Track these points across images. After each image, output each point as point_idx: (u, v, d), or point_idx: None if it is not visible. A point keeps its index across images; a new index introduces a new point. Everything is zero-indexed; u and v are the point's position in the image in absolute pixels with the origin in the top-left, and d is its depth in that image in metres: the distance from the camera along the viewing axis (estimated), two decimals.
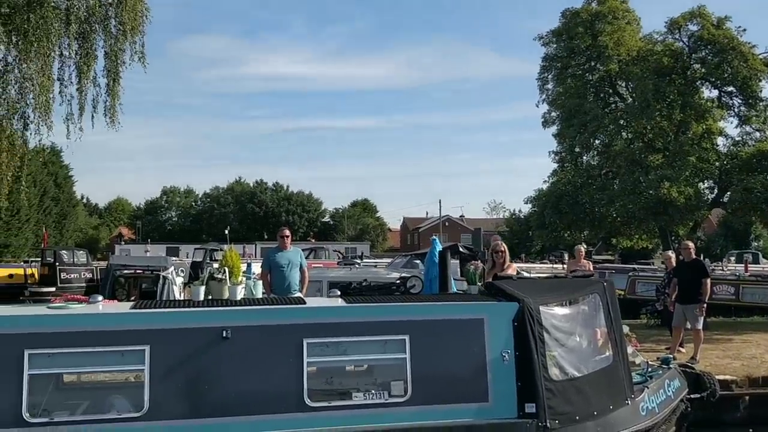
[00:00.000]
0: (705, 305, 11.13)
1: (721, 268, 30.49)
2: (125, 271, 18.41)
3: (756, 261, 41.75)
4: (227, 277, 6.08)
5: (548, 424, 5.59)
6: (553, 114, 21.66)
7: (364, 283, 6.72)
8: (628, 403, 6.15)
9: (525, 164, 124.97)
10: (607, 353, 6.34)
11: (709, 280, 11.16)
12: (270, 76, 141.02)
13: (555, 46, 21.48)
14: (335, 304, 5.94)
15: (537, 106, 22.39)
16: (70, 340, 5.13)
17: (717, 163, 17.71)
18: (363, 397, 5.47)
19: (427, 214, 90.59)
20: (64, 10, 15.36)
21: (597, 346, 6.41)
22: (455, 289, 7.39)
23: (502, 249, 7.76)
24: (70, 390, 5.81)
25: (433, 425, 5.46)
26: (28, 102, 15.45)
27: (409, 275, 6.66)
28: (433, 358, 5.60)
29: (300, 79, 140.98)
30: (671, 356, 7.51)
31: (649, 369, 7.20)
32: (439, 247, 7.95)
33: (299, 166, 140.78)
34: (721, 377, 9.77)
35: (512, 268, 7.70)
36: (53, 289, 23.56)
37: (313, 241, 70.47)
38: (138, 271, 18.17)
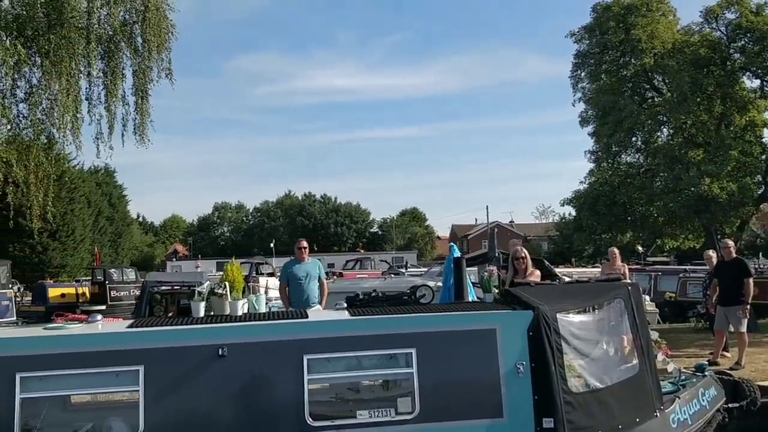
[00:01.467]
0: (748, 306, 10.62)
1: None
2: (162, 288, 18.69)
3: None
4: (228, 292, 5.93)
5: None
6: (591, 112, 21.17)
7: (372, 294, 6.49)
8: (656, 415, 5.80)
9: (575, 167, 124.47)
10: (633, 362, 6.00)
11: (751, 280, 10.65)
12: (318, 90, 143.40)
13: (588, 42, 20.97)
14: (338, 317, 5.74)
15: (573, 105, 21.94)
16: (62, 362, 5.02)
17: (763, 156, 16.98)
18: (368, 415, 5.24)
19: (476, 220, 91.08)
20: (85, 30, 15.57)
21: (621, 354, 6.08)
22: (474, 298, 7.12)
23: (523, 255, 7.48)
24: (65, 413, 5.71)
25: None
26: (53, 122, 15.70)
27: (420, 284, 6.42)
28: (442, 371, 5.35)
29: (347, 91, 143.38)
30: (706, 363, 7.10)
31: (683, 377, 6.80)
32: (456, 254, 7.68)
33: (349, 178, 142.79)
34: (765, 383, 9.28)
35: (535, 275, 7.40)
36: (104, 307, 24.22)
37: (362, 251, 71.18)
38: (174, 288, 18.42)
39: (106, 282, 25.50)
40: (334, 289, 14.29)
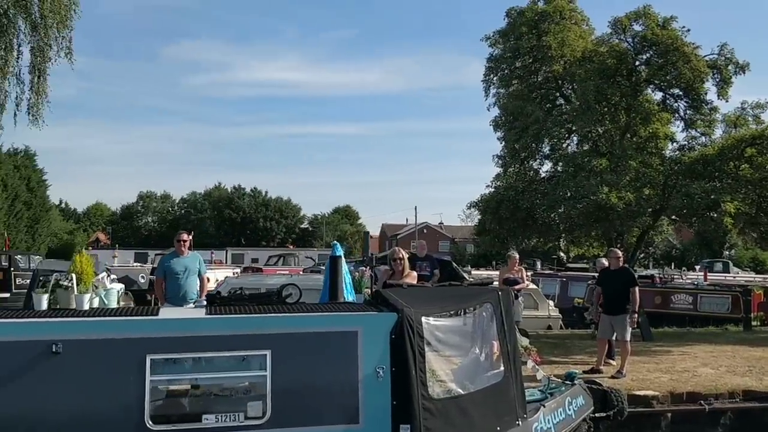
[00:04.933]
0: (636, 315, 10.94)
1: (680, 277, 30.77)
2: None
3: (726, 270, 42.23)
4: (74, 285, 5.60)
5: None
6: (503, 117, 21.48)
7: (238, 292, 6.29)
8: (518, 424, 5.83)
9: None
10: (499, 369, 6.01)
11: (637, 289, 10.98)
12: (258, 82, 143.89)
13: (501, 46, 21.27)
14: (189, 316, 5.52)
15: (488, 110, 22.13)
16: None
17: (661, 168, 17.61)
18: (214, 420, 5.04)
19: (407, 221, 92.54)
20: None
21: (487, 360, 6.08)
22: (350, 299, 7.01)
23: (401, 256, 7.47)
24: None
25: None
26: None
27: (287, 283, 6.28)
28: (297, 375, 5.22)
29: (288, 85, 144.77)
30: (575, 371, 7.22)
31: (552, 385, 6.89)
32: (338, 253, 7.52)
33: (284, 173, 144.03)
34: (643, 393, 9.61)
35: (411, 276, 7.38)
36: (8, 295, 23.53)
37: (292, 247, 70.94)
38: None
39: (12, 268, 24.62)
40: (236, 284, 14.06)
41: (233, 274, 27.97)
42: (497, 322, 6.04)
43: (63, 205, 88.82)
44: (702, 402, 9.66)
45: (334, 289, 6.72)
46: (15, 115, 15.91)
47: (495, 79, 21.31)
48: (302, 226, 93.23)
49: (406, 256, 7.65)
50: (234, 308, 5.63)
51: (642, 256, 57.25)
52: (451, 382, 5.69)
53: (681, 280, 29.05)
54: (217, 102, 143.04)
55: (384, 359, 5.36)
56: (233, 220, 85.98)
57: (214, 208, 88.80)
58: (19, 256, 26.20)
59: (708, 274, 32.25)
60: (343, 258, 7.11)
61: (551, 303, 20.96)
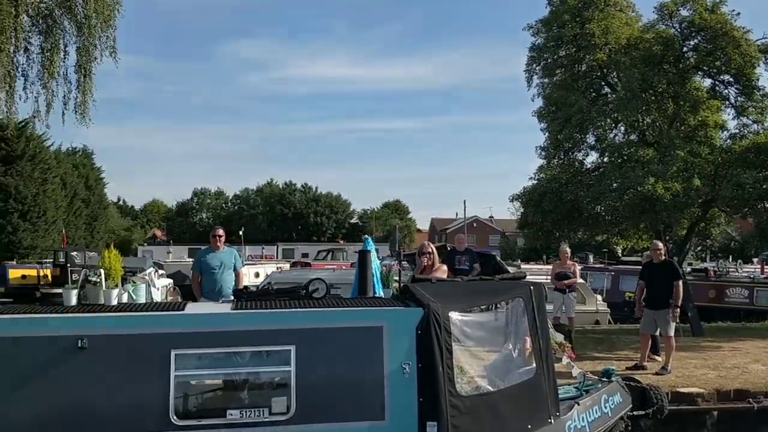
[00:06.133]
0: (678, 310, 10.66)
1: (736, 270, 29.96)
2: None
3: None
4: (103, 280, 5.68)
5: None
6: (547, 108, 21.12)
7: (266, 287, 6.29)
8: (551, 422, 5.71)
9: None
10: (530, 365, 5.89)
11: (681, 283, 10.69)
12: (310, 80, 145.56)
13: (544, 35, 20.88)
14: (214, 311, 5.55)
15: (532, 101, 21.76)
16: None
17: (711, 157, 17.06)
18: (239, 415, 5.06)
19: (456, 215, 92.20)
20: (13, 1, 15.17)
21: (518, 357, 5.97)
22: (380, 293, 6.96)
23: (430, 250, 7.38)
24: None
25: None
26: None
27: (314, 278, 6.26)
28: (322, 370, 5.21)
29: (340, 81, 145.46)
30: (613, 368, 7.03)
31: (588, 382, 6.73)
32: (369, 247, 7.48)
33: (334, 169, 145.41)
34: (687, 390, 9.36)
35: (441, 271, 7.29)
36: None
37: (341, 242, 71.92)
38: None
39: (68, 265, 25.27)
40: (279, 279, 14.26)
41: (277, 269, 28.26)
42: (529, 317, 5.93)
43: (121, 203, 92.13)
44: (750, 400, 9.36)
45: (364, 283, 6.67)
46: (63, 114, 16.29)
47: (538, 68, 20.92)
48: (352, 221, 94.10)
49: (435, 250, 7.57)
50: (260, 303, 5.63)
51: (699, 249, 55.92)
52: (480, 378, 5.61)
53: (737, 273, 28.30)
54: (270, 99, 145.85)
55: (410, 355, 5.31)
56: (285, 215, 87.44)
57: (266, 204, 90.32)
58: (75, 252, 26.92)
59: (766, 267, 31.35)
60: (373, 252, 7.06)
61: (599, 297, 20.62)
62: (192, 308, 5.58)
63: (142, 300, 5.92)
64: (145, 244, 72.06)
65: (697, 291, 22.26)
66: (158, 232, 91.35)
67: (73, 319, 5.11)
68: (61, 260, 26.08)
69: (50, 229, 45.35)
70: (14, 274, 25.96)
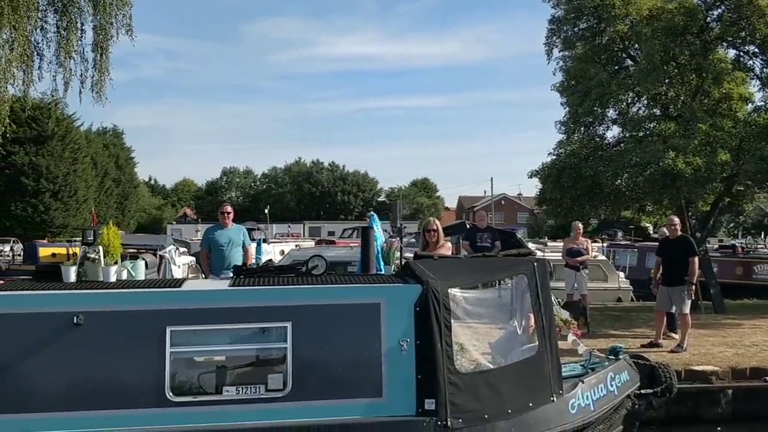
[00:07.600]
0: (693, 287, 10.51)
1: (765, 246, 29.54)
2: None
3: None
4: (101, 257, 5.71)
5: (449, 423, 5.15)
6: (567, 81, 20.81)
7: (267, 264, 6.29)
8: (553, 400, 5.65)
9: None
10: (533, 342, 5.83)
11: (696, 259, 10.53)
12: (338, 57, 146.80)
13: (565, 6, 20.52)
14: (210, 288, 5.55)
15: (554, 74, 21.44)
16: None
17: (734, 131, 16.71)
18: (235, 392, 5.08)
19: (484, 192, 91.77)
20: None
21: (520, 334, 5.91)
22: (382, 271, 6.93)
23: (434, 227, 7.32)
24: None
25: (316, 423, 5.07)
26: None
27: (314, 254, 6.23)
28: (318, 347, 5.21)
29: (368, 59, 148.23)
30: (621, 346, 6.94)
31: (594, 360, 6.65)
32: (375, 224, 7.44)
33: (362, 147, 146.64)
34: (701, 368, 9.24)
35: (445, 248, 7.24)
36: None
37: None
38: (134, 251, 18.42)
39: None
40: (297, 257, 14.33)
41: (296, 246, 28.41)
42: (532, 293, 5.85)
43: (152, 182, 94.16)
44: (766, 378, 9.23)
45: (366, 260, 6.64)
46: (80, 92, 16.40)
47: (558, 41, 20.59)
48: (379, 199, 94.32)
49: (440, 227, 7.51)
50: (257, 280, 5.63)
51: (732, 225, 55.04)
52: (481, 355, 5.58)
53: (765, 250, 27.93)
54: (298, 78, 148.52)
55: (408, 332, 5.28)
56: (312, 194, 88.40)
57: (294, 183, 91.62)
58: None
59: None
60: (376, 229, 7.01)
61: (621, 275, 20.42)
62: (189, 285, 5.59)
63: (141, 277, 5.95)
64: (175, 222, 72.90)
65: (724, 268, 22.00)
66: (189, 211, 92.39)
67: (69, 296, 5.14)
68: (89, 238, 26.51)
69: (81, 208, 46.62)
70: (44, 252, 26.12)
